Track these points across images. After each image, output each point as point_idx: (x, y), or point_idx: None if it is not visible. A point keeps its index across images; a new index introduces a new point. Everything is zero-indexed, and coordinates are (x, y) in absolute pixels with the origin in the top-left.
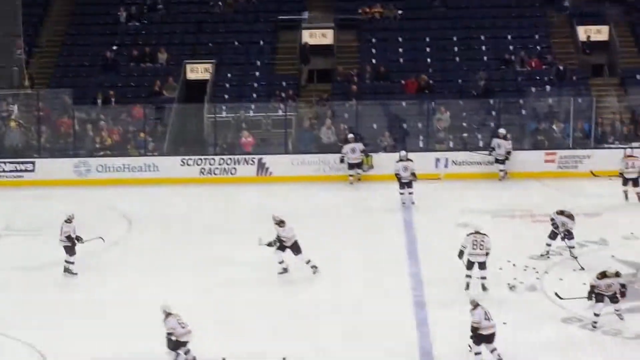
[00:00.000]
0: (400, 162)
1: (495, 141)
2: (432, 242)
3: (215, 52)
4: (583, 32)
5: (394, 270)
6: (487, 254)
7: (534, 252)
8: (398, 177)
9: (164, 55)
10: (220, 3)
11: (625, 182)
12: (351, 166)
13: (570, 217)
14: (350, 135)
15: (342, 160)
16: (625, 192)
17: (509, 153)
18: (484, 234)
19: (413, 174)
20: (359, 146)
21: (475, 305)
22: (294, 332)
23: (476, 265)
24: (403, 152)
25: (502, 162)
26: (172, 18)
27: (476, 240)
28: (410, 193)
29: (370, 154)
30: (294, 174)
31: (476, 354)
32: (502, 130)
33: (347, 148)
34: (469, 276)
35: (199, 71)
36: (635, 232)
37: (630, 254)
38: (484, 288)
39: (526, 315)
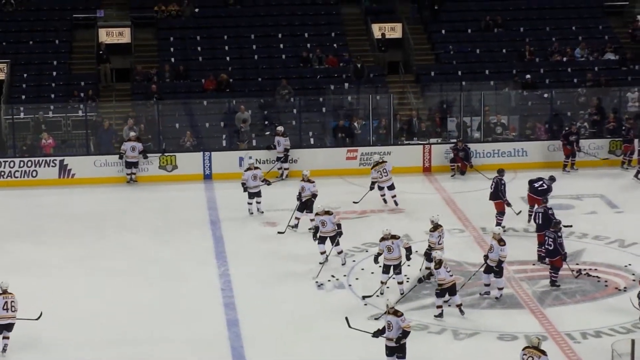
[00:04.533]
0: (248, 171)
1: (276, 139)
2: (239, 241)
3: (9, 52)
4: (377, 30)
5: (202, 270)
6: None
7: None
8: (245, 186)
9: None
10: (12, 1)
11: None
12: (128, 165)
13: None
14: (132, 134)
15: (121, 157)
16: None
17: (287, 150)
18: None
19: (265, 180)
20: (139, 146)
21: None
22: (104, 338)
23: None
24: (251, 160)
25: (283, 159)
26: None
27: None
28: (258, 202)
29: (173, 154)
30: (97, 175)
31: None
32: (280, 128)
33: (127, 145)
34: None
35: None
36: None
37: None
38: None
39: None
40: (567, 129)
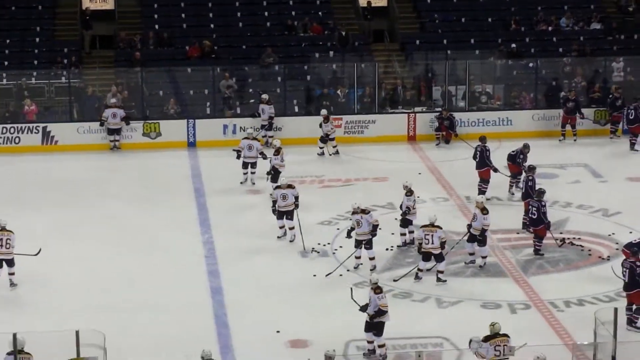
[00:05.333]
0: (245, 140)
1: (260, 106)
2: (223, 208)
3: None
4: None
5: (185, 238)
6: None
7: (324, 218)
8: (239, 153)
9: None
10: None
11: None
12: (110, 132)
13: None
14: (112, 100)
15: (101, 124)
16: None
17: (271, 118)
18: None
19: (262, 154)
20: (120, 112)
21: None
22: (88, 305)
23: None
24: (250, 130)
25: (268, 127)
26: None
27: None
28: (252, 172)
29: (157, 121)
30: (80, 142)
31: None
32: (265, 96)
33: (107, 112)
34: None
35: None
36: (421, 195)
37: (414, 217)
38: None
39: (317, 279)
40: (563, 94)
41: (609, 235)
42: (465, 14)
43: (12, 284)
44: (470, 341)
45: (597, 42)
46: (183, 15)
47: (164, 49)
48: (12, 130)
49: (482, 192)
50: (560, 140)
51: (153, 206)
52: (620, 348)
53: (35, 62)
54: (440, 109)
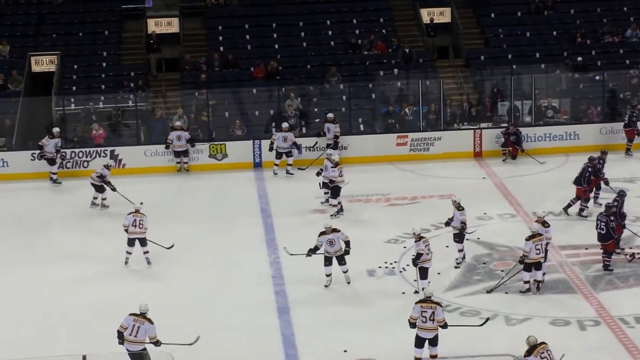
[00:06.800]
0: (328, 162)
1: (326, 126)
2: (290, 228)
3: (59, 44)
4: (426, 14)
5: (252, 259)
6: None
7: (390, 236)
8: (320, 172)
9: (6, 48)
10: None
11: None
12: (177, 154)
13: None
14: (178, 123)
15: (167, 147)
16: None
17: (337, 137)
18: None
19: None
20: (185, 134)
21: None
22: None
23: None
24: (329, 151)
25: (334, 146)
26: (13, 9)
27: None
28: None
29: (223, 142)
30: (148, 165)
31: None
32: (330, 115)
33: (173, 135)
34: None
35: (44, 63)
36: (488, 212)
37: (484, 234)
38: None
39: (389, 301)
40: (630, 107)
41: None
42: (530, 28)
43: (149, 263)
44: None
45: None
46: (247, 36)
47: (229, 71)
48: (80, 154)
49: (582, 209)
50: (631, 154)
51: (220, 227)
52: None
53: (103, 86)
54: (506, 125)
